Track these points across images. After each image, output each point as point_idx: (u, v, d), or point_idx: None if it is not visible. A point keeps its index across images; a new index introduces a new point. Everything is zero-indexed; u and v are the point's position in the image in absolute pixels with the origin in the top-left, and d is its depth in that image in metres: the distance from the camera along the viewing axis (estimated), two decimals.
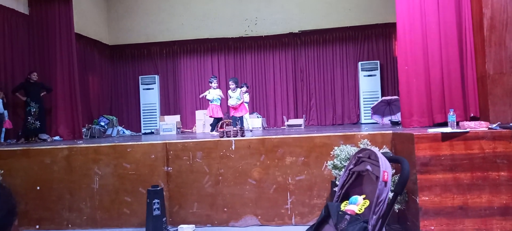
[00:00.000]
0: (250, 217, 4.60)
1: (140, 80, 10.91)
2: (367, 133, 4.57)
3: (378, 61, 10.08)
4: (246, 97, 8.46)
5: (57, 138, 7.58)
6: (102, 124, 9.47)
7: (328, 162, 4.25)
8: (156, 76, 10.92)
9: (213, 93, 6.97)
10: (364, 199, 2.30)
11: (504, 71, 4.41)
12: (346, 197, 2.49)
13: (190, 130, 10.42)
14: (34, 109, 7.22)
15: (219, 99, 7.16)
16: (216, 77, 7.30)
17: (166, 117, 10.13)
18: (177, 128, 9.64)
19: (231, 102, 7.07)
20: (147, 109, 10.87)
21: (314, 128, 9.03)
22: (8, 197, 1.37)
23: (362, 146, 4.16)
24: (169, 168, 4.73)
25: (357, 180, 2.49)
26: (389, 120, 7.43)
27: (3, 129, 6.83)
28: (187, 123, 10.77)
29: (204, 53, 10.99)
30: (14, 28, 7.43)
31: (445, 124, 4.49)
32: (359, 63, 10.14)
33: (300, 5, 10.58)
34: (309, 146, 4.56)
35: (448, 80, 5.04)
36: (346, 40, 10.47)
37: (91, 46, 10.05)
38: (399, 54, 5.41)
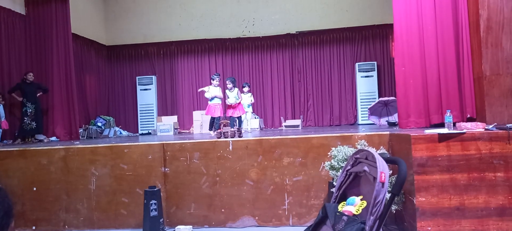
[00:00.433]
0: (248, 218, 4.60)
1: (137, 81, 10.89)
2: (364, 133, 4.58)
3: (375, 62, 10.10)
4: (249, 98, 8.35)
5: (53, 138, 7.56)
6: (99, 124, 9.44)
7: (326, 162, 4.25)
8: (153, 76, 10.90)
9: (212, 92, 6.85)
10: (361, 200, 2.31)
11: (501, 72, 4.43)
12: (343, 198, 2.49)
13: (187, 131, 10.41)
14: (30, 110, 7.19)
15: (218, 98, 7.05)
16: (219, 75, 7.13)
17: (163, 118, 10.11)
18: (175, 129, 9.62)
19: (229, 101, 7.02)
20: (144, 110, 10.85)
21: (312, 128, 9.04)
22: (4, 198, 1.36)
23: (359, 147, 4.17)
24: (166, 169, 4.73)
25: (355, 181, 2.49)
26: (386, 121, 7.45)
27: (0, 130, 6.80)
28: (185, 123, 10.75)
29: (201, 53, 10.98)
30: (10, 28, 7.40)
31: (441, 125, 4.50)
32: (356, 64, 10.17)
33: (298, 6, 10.59)
34: (307, 147, 4.57)
35: (444, 81, 5.05)
36: (343, 41, 10.49)
37: (88, 47, 10.03)
38: (396, 55, 5.42)
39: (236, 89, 7.07)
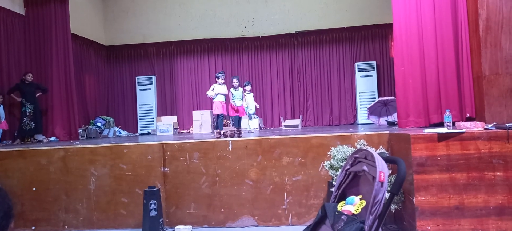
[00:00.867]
0: (247, 218, 4.60)
1: (136, 81, 10.88)
2: (363, 133, 4.58)
3: (375, 62, 10.10)
4: (251, 98, 8.22)
5: (53, 138, 7.55)
6: (99, 124, 9.43)
7: (325, 162, 4.26)
8: (152, 77, 10.89)
9: (217, 89, 6.70)
10: (360, 199, 2.31)
11: (500, 72, 4.44)
12: (342, 197, 2.49)
13: (187, 131, 10.40)
14: (30, 110, 7.19)
15: (222, 95, 6.83)
16: (223, 73, 6.99)
17: (163, 118, 10.11)
18: (174, 129, 9.62)
19: (234, 101, 6.83)
20: (144, 110, 10.85)
21: (311, 128, 9.04)
22: (4, 199, 1.36)
23: (358, 146, 4.17)
24: (166, 169, 4.73)
25: (354, 180, 2.50)
26: (386, 120, 7.45)
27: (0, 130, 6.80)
28: (184, 123, 10.75)
29: (201, 53, 10.98)
30: (10, 29, 7.39)
31: (441, 124, 4.50)
32: (356, 63, 10.17)
33: (297, 6, 10.59)
34: (306, 147, 4.57)
35: (444, 80, 5.06)
36: (342, 40, 10.49)
37: (87, 47, 10.02)
38: (395, 55, 5.43)
39: (241, 89, 6.98)
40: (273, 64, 10.75)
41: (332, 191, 2.64)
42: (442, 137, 3.63)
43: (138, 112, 10.87)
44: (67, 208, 4.80)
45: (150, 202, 4.28)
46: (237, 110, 6.59)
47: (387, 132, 4.56)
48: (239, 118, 6.82)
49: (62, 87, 7.70)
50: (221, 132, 5.59)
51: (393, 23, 5.38)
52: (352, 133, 4.60)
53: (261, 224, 4.58)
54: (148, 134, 10.44)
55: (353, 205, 2.30)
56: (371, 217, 2.08)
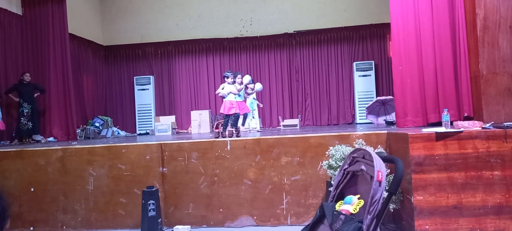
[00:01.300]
0: (246, 218, 4.60)
1: (135, 81, 10.86)
2: (362, 133, 4.59)
3: (373, 61, 10.11)
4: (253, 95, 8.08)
5: (51, 139, 7.53)
6: (97, 124, 9.42)
7: (324, 162, 4.26)
8: (151, 77, 10.88)
9: (228, 89, 6.58)
10: (358, 198, 2.31)
11: (497, 71, 4.45)
12: (341, 197, 2.49)
13: (185, 131, 10.40)
14: (27, 110, 7.17)
15: (233, 94, 6.66)
16: (231, 71, 6.88)
17: (161, 118, 10.10)
18: (172, 129, 9.61)
19: (240, 98, 6.68)
20: (142, 110, 10.83)
21: (309, 128, 9.04)
22: None
23: (357, 146, 4.17)
24: (164, 169, 4.72)
25: (352, 180, 2.50)
26: (384, 120, 7.46)
27: None
28: (183, 123, 10.74)
29: (199, 53, 10.97)
30: (7, 29, 7.37)
31: (439, 124, 4.51)
32: (354, 63, 10.17)
33: (295, 6, 10.59)
34: (305, 146, 4.57)
35: (442, 80, 5.07)
36: (341, 40, 10.50)
37: (85, 47, 10.00)
38: (393, 54, 5.43)
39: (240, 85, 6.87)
40: (272, 64, 10.74)
41: (330, 191, 2.64)
42: (440, 136, 3.64)
43: (136, 112, 10.85)
44: (65, 208, 4.79)
45: (149, 202, 4.28)
46: (243, 108, 6.50)
47: (385, 131, 4.57)
48: (235, 116, 6.72)
49: (60, 87, 7.69)
50: (220, 131, 5.58)
51: (391, 23, 5.39)
52: (350, 133, 4.60)
53: (260, 224, 4.58)
54: (147, 134, 10.42)
55: (351, 204, 2.30)
56: (369, 216, 2.08)
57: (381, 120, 7.63)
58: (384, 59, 10.25)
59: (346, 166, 2.53)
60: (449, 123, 3.98)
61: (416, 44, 5.18)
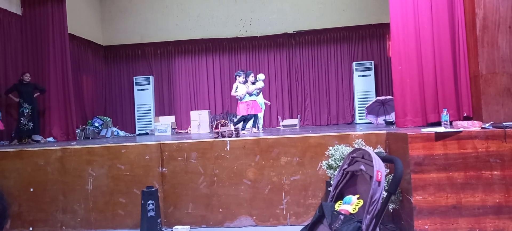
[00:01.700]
0: (245, 218, 4.60)
1: (134, 81, 10.87)
2: (361, 132, 4.59)
3: (372, 61, 10.12)
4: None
5: (50, 139, 7.53)
6: (96, 124, 9.42)
7: (323, 162, 4.26)
8: (150, 77, 10.88)
9: (241, 90, 6.50)
10: (358, 198, 2.31)
11: (497, 71, 4.45)
12: (340, 197, 2.50)
13: (185, 131, 10.40)
14: (27, 111, 7.17)
15: (249, 95, 6.53)
16: (243, 71, 6.78)
17: (160, 118, 10.10)
18: (172, 129, 9.61)
19: (252, 98, 6.62)
20: (142, 110, 10.83)
21: (309, 128, 9.04)
22: None
23: (356, 146, 4.18)
24: (163, 169, 4.72)
25: (351, 180, 2.50)
26: (384, 120, 7.46)
27: None
28: (182, 123, 10.74)
29: (198, 53, 10.97)
30: (6, 29, 7.37)
31: (438, 124, 4.51)
32: (354, 63, 10.18)
33: (295, 6, 10.59)
34: (304, 146, 4.57)
35: (441, 80, 5.07)
36: (340, 40, 10.50)
37: (84, 47, 10.00)
38: (393, 54, 5.43)
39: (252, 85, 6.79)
40: (271, 64, 10.75)
41: (330, 191, 2.64)
42: (439, 136, 3.64)
43: (136, 112, 10.85)
44: (64, 208, 4.78)
45: (148, 202, 4.27)
46: (256, 108, 6.45)
47: (385, 131, 4.57)
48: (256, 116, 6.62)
49: (60, 87, 7.69)
50: (219, 131, 5.57)
51: (391, 23, 5.39)
52: (350, 133, 4.60)
53: (259, 224, 4.58)
54: (146, 134, 10.43)
55: (350, 204, 2.30)
56: (368, 216, 2.08)
57: (380, 119, 7.63)
58: (383, 59, 10.26)
59: (345, 166, 2.53)
60: (449, 123, 3.98)
61: (416, 44, 5.18)
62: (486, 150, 3.58)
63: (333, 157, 4.06)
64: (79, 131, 8.43)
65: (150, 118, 10.72)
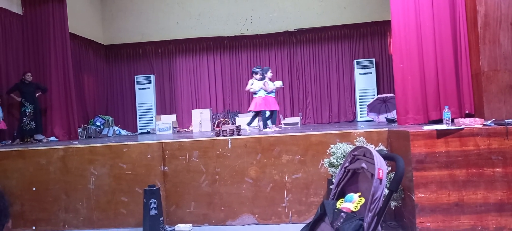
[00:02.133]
0: (247, 216, 4.61)
1: (135, 80, 10.87)
2: (363, 130, 4.59)
3: (374, 59, 10.10)
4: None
5: (52, 138, 7.55)
6: (98, 124, 9.43)
7: (325, 160, 4.26)
8: (151, 75, 10.88)
9: (257, 85, 6.44)
10: (359, 196, 2.31)
11: (498, 68, 4.44)
12: (342, 195, 2.50)
13: (186, 129, 10.40)
14: (29, 110, 7.18)
15: (264, 91, 6.46)
16: (260, 66, 6.70)
17: (162, 117, 10.10)
18: (173, 128, 9.62)
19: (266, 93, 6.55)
20: (143, 109, 10.84)
21: (311, 126, 9.04)
22: (0, 198, 1.36)
23: (358, 144, 4.17)
24: (165, 168, 4.73)
25: (353, 177, 2.50)
26: (385, 118, 7.45)
27: None
28: (184, 122, 10.74)
29: (199, 52, 10.97)
30: (7, 29, 7.38)
31: (440, 121, 4.51)
32: (355, 61, 10.16)
33: (296, 4, 10.57)
34: (306, 144, 4.57)
35: (442, 77, 5.06)
36: (341, 38, 10.48)
37: (86, 46, 10.00)
38: (394, 52, 5.42)
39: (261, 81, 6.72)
40: (272, 62, 10.73)
41: (331, 189, 2.64)
42: (441, 134, 3.64)
43: (138, 111, 10.86)
44: (67, 208, 4.80)
45: (150, 201, 4.28)
46: (269, 102, 6.40)
47: (387, 129, 4.57)
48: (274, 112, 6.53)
49: (61, 87, 7.70)
50: (221, 130, 5.58)
51: (392, 20, 5.38)
52: (351, 130, 4.60)
53: (261, 222, 4.59)
54: (148, 133, 10.43)
55: (352, 202, 2.30)
56: (370, 214, 2.08)
57: (382, 117, 7.62)
58: (385, 57, 10.23)
59: (347, 164, 2.53)
60: (450, 120, 3.97)
61: (417, 42, 5.17)
62: (488, 147, 3.58)
63: (335, 155, 4.06)
64: (80, 130, 8.44)
65: (152, 117, 10.73)
